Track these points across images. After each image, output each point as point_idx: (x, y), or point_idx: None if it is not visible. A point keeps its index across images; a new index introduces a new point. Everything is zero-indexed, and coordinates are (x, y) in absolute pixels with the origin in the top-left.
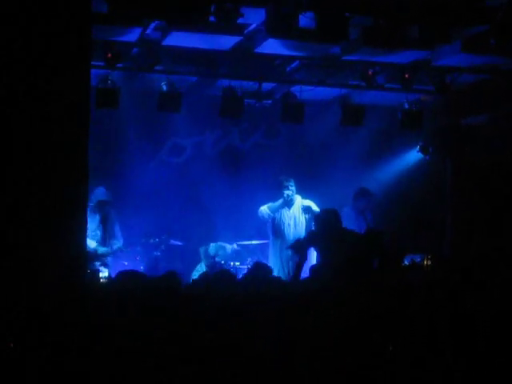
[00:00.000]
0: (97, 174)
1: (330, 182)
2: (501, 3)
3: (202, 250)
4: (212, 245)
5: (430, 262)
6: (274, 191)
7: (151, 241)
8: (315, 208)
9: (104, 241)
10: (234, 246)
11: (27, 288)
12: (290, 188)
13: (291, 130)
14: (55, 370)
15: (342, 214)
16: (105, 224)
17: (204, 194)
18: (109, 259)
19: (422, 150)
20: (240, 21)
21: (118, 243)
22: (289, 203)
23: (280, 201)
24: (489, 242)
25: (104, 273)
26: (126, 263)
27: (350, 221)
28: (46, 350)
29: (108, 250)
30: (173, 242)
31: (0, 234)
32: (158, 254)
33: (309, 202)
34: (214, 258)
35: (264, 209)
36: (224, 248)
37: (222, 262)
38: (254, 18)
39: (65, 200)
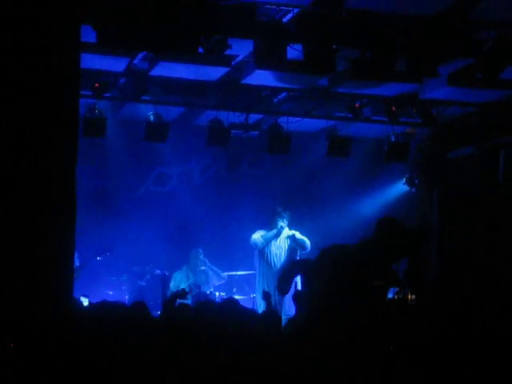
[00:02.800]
0: (83, 202)
1: (316, 213)
2: (487, 37)
3: (192, 252)
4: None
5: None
6: (261, 220)
7: (136, 270)
8: (299, 236)
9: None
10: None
11: (19, 299)
12: (285, 220)
13: (278, 161)
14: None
15: None
16: None
17: (190, 224)
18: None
19: (408, 182)
20: (228, 52)
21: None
22: (278, 233)
23: (274, 231)
24: (477, 275)
25: (85, 302)
26: (111, 292)
27: None
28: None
29: None
30: (158, 271)
31: None
32: (143, 283)
33: (294, 232)
34: (198, 287)
35: (257, 237)
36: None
37: (208, 292)
38: (241, 49)
39: (55, 213)
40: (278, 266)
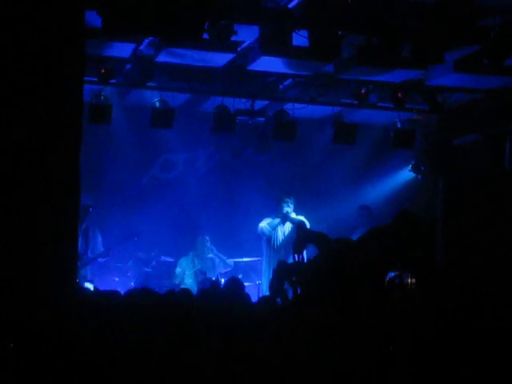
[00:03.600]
0: (89, 189)
1: (322, 199)
2: (493, 23)
3: (199, 239)
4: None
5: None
6: (267, 207)
7: (142, 256)
8: (294, 217)
9: (85, 251)
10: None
11: (19, 299)
12: (290, 205)
13: (283, 148)
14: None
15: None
16: (86, 234)
17: (196, 210)
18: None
19: (414, 169)
20: (233, 38)
21: (98, 251)
22: (284, 220)
23: (278, 218)
24: (482, 261)
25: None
26: (117, 279)
27: None
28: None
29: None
30: (164, 258)
31: None
32: (149, 270)
33: (301, 218)
34: (204, 273)
35: (264, 225)
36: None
37: (213, 278)
38: (247, 35)
39: (56, 213)
40: (285, 252)
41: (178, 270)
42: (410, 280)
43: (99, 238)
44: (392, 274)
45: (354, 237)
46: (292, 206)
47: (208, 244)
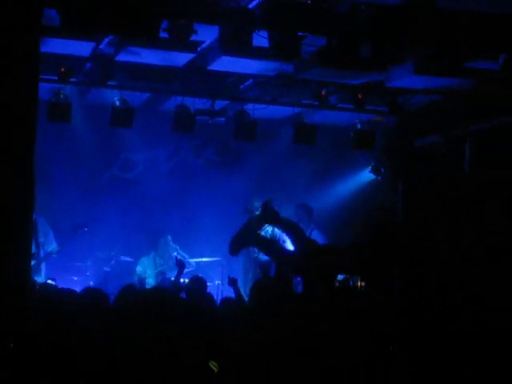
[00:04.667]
0: (48, 187)
1: (282, 202)
2: (454, 25)
3: (161, 239)
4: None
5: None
6: (228, 208)
7: (101, 256)
8: None
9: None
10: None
11: None
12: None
13: (244, 148)
14: None
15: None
16: (35, 227)
17: (156, 210)
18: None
19: (373, 171)
20: (194, 38)
21: (51, 247)
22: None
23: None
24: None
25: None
26: (76, 278)
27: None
28: None
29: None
30: (123, 257)
31: None
32: (108, 269)
33: None
34: (163, 273)
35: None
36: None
37: (172, 278)
38: (207, 35)
39: (10, 209)
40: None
41: (139, 268)
42: (359, 283)
43: (51, 233)
44: (342, 277)
45: None
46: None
47: (171, 243)
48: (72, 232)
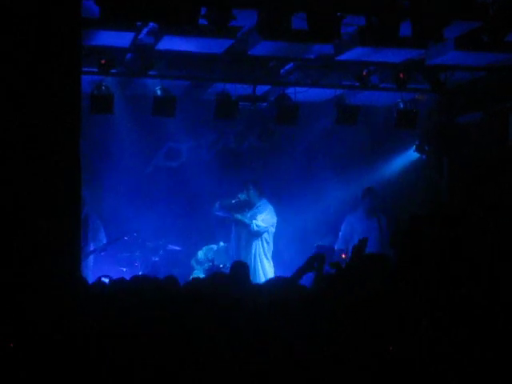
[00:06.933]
0: (93, 180)
1: (325, 183)
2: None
3: (192, 261)
4: (199, 252)
5: None
6: (271, 192)
7: (150, 246)
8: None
9: (85, 241)
10: (221, 243)
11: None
12: (246, 191)
13: (286, 133)
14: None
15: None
16: (86, 223)
17: (201, 198)
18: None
19: (418, 150)
20: (232, 23)
21: (100, 243)
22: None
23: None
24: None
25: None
26: (125, 269)
27: (353, 226)
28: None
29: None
30: (171, 246)
31: None
32: (157, 259)
33: (261, 217)
34: (211, 261)
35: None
36: (211, 249)
37: (221, 265)
38: (246, 20)
39: (58, 206)
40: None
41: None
42: None
43: (101, 229)
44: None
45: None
46: (251, 191)
47: (201, 257)
48: (109, 243)
